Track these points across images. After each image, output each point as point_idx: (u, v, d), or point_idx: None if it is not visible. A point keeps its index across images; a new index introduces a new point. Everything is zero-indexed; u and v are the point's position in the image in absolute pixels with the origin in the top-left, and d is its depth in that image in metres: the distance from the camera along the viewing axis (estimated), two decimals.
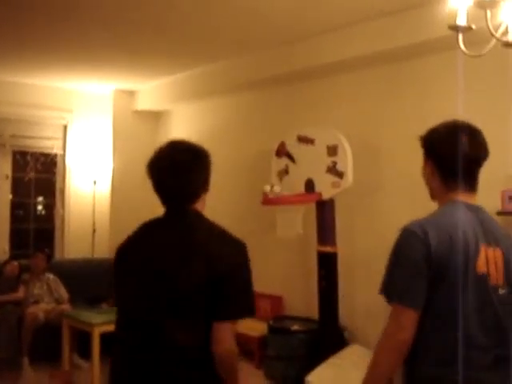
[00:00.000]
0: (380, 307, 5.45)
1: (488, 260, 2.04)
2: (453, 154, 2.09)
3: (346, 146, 5.03)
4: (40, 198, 7.96)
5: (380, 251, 5.39)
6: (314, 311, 5.67)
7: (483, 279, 2.02)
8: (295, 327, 5.67)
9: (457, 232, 2.02)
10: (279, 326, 5.79)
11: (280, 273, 6.42)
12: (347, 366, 4.97)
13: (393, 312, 2.06)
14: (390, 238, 5.66)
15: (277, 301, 6.39)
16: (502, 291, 2.06)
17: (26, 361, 5.82)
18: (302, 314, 6.00)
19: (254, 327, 6.33)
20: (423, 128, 5.21)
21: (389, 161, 5.32)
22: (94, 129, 7.84)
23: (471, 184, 2.16)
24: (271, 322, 5.92)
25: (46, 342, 5.97)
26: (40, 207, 8.05)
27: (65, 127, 7.70)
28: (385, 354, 2.08)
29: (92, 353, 5.32)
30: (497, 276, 2.05)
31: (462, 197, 2.14)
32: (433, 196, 2.28)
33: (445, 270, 1.99)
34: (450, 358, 1.99)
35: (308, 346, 5.48)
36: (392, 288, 2.11)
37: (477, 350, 2.02)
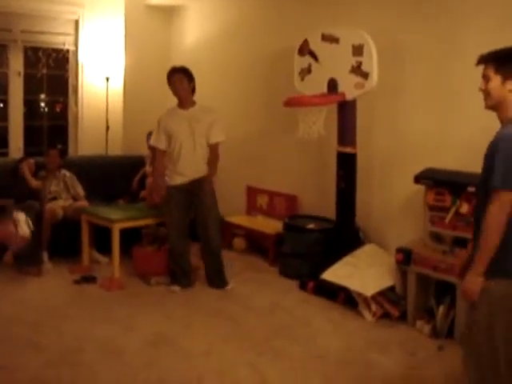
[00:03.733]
0: (394, 208, 5.55)
1: None
2: None
3: (372, 46, 4.92)
4: (53, 95, 7.88)
5: (398, 153, 5.46)
6: (328, 211, 5.75)
7: None
8: (311, 225, 5.77)
9: None
10: (295, 224, 5.89)
11: (297, 173, 6.46)
12: (362, 265, 5.10)
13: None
14: (409, 140, 5.68)
15: (292, 200, 6.47)
16: None
17: (45, 255, 5.95)
18: (316, 214, 6.09)
19: (268, 225, 6.46)
20: (452, 30, 5.11)
21: (414, 63, 5.22)
22: (106, 24, 7.64)
23: None
24: (287, 220, 6.03)
25: (64, 238, 6.08)
26: (53, 104, 7.98)
27: (76, 22, 7.49)
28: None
29: (112, 248, 5.45)
30: None
31: None
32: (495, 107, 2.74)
33: None
34: None
35: (323, 244, 5.60)
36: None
37: None
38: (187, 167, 5.38)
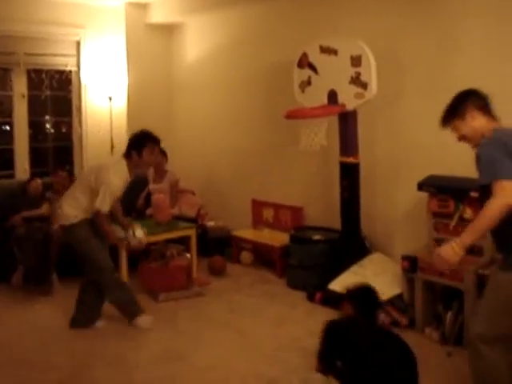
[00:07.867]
0: (399, 216, 5.54)
1: None
2: None
3: (371, 56, 4.96)
4: (57, 117, 7.95)
5: (401, 161, 5.48)
6: (334, 221, 5.77)
7: None
8: (317, 237, 5.79)
9: None
10: (301, 236, 5.91)
11: (301, 185, 6.49)
12: (369, 274, 5.10)
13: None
14: (411, 147, 5.69)
15: (297, 212, 6.49)
16: None
17: (54, 276, 5.97)
18: (322, 225, 6.11)
19: (275, 237, 6.48)
20: (451, 35, 5.14)
21: (413, 70, 5.26)
22: (107, 44, 7.75)
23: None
24: (293, 232, 6.05)
25: (72, 258, 6.09)
26: (58, 125, 8.06)
27: (78, 43, 7.60)
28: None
29: (120, 265, 5.50)
30: None
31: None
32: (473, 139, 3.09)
33: None
34: None
35: (330, 255, 5.62)
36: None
37: None
38: None
